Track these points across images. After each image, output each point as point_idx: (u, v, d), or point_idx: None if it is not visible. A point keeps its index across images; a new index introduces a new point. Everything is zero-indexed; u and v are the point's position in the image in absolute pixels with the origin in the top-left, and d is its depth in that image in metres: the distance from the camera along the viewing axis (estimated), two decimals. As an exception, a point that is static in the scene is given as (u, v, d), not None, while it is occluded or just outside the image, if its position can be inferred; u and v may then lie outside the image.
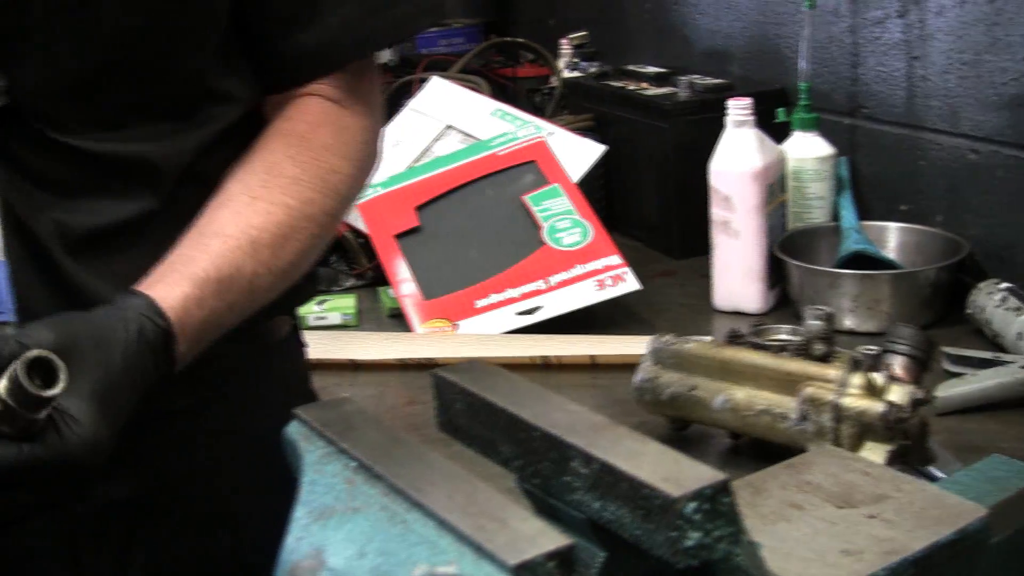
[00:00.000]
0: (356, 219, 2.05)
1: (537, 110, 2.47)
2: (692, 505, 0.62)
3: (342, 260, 2.09)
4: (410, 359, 1.70)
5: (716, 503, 0.63)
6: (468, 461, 0.72)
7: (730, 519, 0.64)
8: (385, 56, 2.88)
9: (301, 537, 0.68)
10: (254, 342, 1.12)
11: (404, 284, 1.90)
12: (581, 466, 0.67)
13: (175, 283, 0.93)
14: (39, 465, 0.78)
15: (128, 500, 1.06)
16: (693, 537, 0.62)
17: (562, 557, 0.58)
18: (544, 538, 0.59)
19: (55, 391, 0.76)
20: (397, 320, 1.91)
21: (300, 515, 0.70)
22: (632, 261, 1.91)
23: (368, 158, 1.11)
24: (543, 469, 0.71)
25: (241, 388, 1.12)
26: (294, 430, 0.77)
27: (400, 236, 1.98)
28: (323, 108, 1.07)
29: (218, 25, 1.04)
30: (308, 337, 1.73)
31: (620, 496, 0.65)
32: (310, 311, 1.86)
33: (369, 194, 2.05)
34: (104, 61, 0.98)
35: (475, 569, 0.59)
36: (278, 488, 1.10)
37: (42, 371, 0.76)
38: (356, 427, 0.74)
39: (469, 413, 0.77)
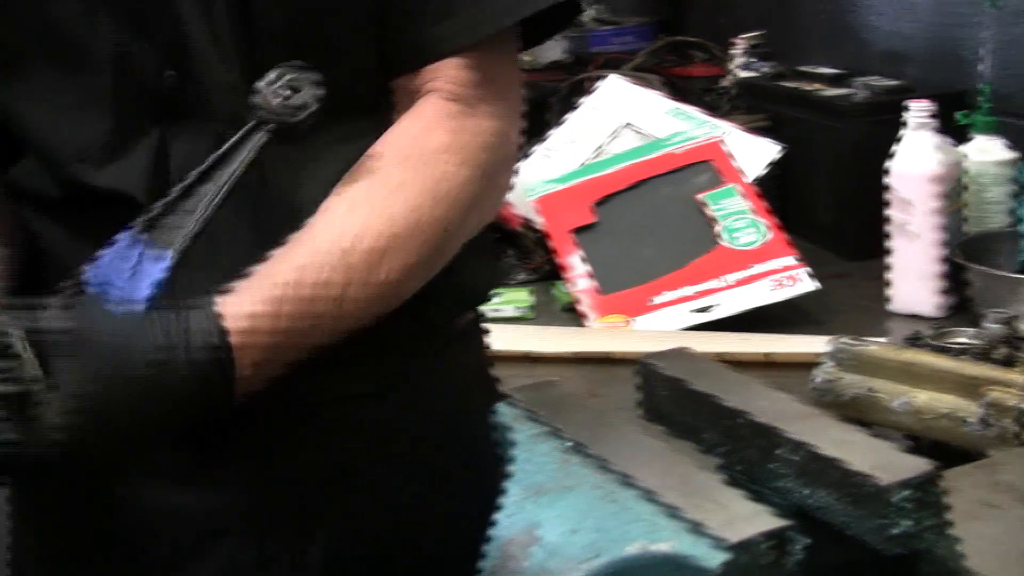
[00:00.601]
0: (532, 214, 2.08)
1: (709, 109, 2.48)
2: (902, 494, 0.63)
3: (516, 254, 2.12)
4: (587, 353, 1.72)
5: (925, 493, 0.64)
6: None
7: (937, 510, 0.65)
8: (557, 53, 2.91)
9: (514, 514, 0.70)
10: (436, 331, 1.12)
11: (580, 279, 1.93)
12: (789, 453, 0.69)
13: (247, 297, 0.89)
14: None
15: (312, 481, 1.07)
16: (902, 525, 0.63)
17: (779, 538, 0.60)
18: (760, 519, 0.61)
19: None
20: (570, 315, 1.93)
21: (513, 493, 0.72)
22: (805, 262, 1.91)
23: (494, 163, 1.02)
24: (749, 456, 0.72)
25: (423, 375, 1.11)
26: (504, 411, 0.79)
27: (576, 232, 2.00)
28: (442, 108, 1.01)
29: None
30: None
31: (829, 483, 0.66)
32: (487, 303, 1.89)
33: (546, 190, 2.09)
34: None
35: (692, 547, 0.60)
36: (455, 474, 1.13)
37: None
38: (566, 408, 0.76)
39: (673, 400, 0.78)
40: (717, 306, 1.84)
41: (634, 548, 0.62)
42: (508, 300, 1.92)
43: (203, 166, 0.92)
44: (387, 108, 1.03)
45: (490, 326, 1.79)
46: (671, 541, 0.62)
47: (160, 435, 0.87)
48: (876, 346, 1.41)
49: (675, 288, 1.87)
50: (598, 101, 2.38)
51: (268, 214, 0.99)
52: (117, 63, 0.97)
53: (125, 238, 0.91)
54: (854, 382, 1.39)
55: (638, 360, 0.83)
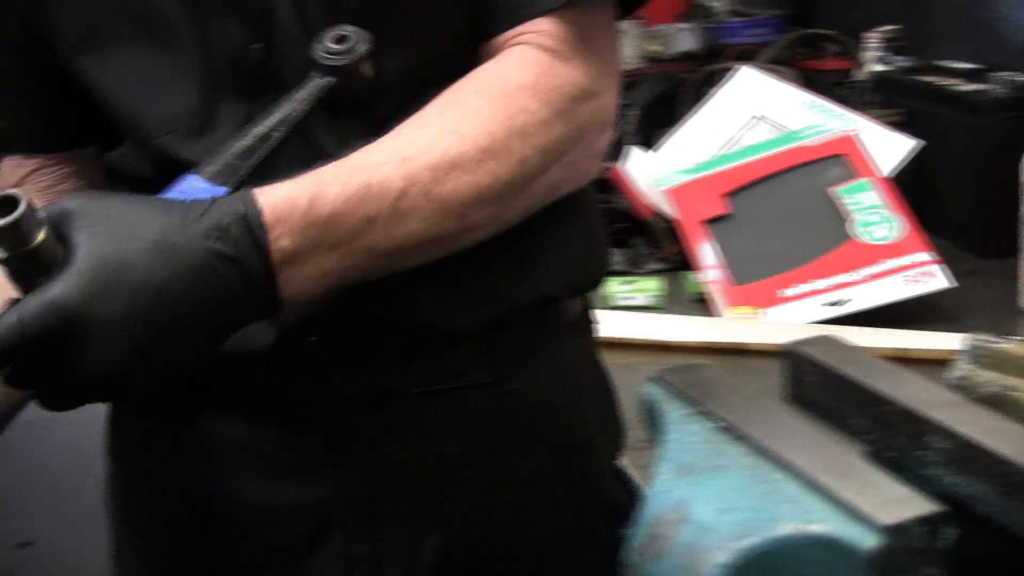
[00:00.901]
0: (664, 203, 2.09)
1: (841, 103, 2.46)
2: (1056, 484, 0.63)
3: (647, 243, 2.13)
4: (718, 343, 1.72)
5: (1078, 484, 0.64)
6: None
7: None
8: (689, 44, 2.92)
9: (664, 491, 0.72)
10: (546, 321, 1.10)
11: (710, 270, 1.93)
12: (939, 441, 0.69)
13: (291, 181, 0.85)
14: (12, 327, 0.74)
15: (425, 474, 1.06)
16: (1055, 516, 0.64)
17: (932, 523, 0.61)
18: (914, 503, 0.62)
19: (7, 219, 0.73)
20: (700, 305, 1.94)
21: (663, 471, 0.74)
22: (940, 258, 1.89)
23: (582, 115, 0.97)
24: (897, 443, 0.73)
25: (535, 365, 1.09)
26: (653, 391, 0.81)
27: (708, 222, 2.01)
28: (530, 54, 0.96)
29: None
30: (616, 317, 1.79)
31: (979, 472, 0.66)
32: (618, 291, 1.91)
33: (678, 180, 2.09)
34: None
35: (845, 529, 0.62)
36: (567, 469, 1.12)
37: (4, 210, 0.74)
38: (716, 390, 0.78)
39: (821, 385, 0.79)
40: (849, 300, 1.83)
41: (786, 529, 0.64)
42: (639, 289, 1.94)
43: (268, 115, 0.92)
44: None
45: (622, 314, 1.82)
46: (824, 523, 0.63)
47: (199, 317, 0.79)
48: (1016, 344, 1.39)
49: (806, 281, 1.86)
50: (731, 92, 2.37)
51: None
52: (203, 37, 0.97)
53: (186, 178, 0.90)
54: (991, 380, 1.38)
55: (784, 347, 0.84)
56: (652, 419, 0.80)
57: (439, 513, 1.06)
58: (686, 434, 0.75)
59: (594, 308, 1.23)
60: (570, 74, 0.95)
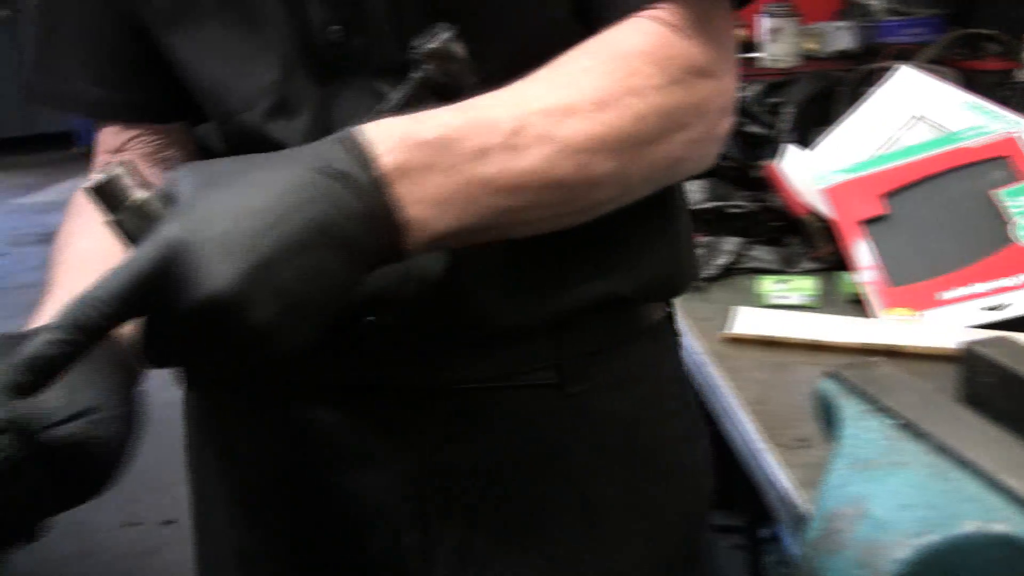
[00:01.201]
0: (819, 202, 2.07)
1: (1002, 104, 2.41)
2: None
3: (801, 242, 2.12)
4: (874, 344, 1.71)
5: None
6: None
7: None
8: (845, 43, 2.88)
9: (840, 486, 0.72)
10: (618, 324, 1.08)
11: (867, 270, 1.91)
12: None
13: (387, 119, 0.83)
14: (136, 268, 0.72)
15: (480, 471, 1.05)
16: None
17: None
18: (1100, 505, 0.61)
19: (96, 180, 0.76)
20: (855, 305, 1.92)
21: (839, 466, 0.74)
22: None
23: (700, 88, 0.94)
24: (1078, 446, 0.72)
25: (606, 369, 1.07)
26: (828, 387, 0.81)
27: (865, 222, 1.99)
28: (646, 25, 0.93)
29: None
30: (770, 315, 1.78)
31: None
32: (772, 290, 1.90)
33: (835, 179, 2.07)
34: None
35: (1029, 528, 0.62)
36: (636, 485, 1.09)
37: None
38: (893, 387, 0.78)
39: (998, 386, 0.79)
40: (1009, 305, 1.79)
41: (968, 527, 0.64)
42: (793, 288, 1.92)
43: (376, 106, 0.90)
44: None
45: (776, 312, 1.81)
46: (1007, 522, 0.63)
47: (314, 233, 0.75)
48: None
49: (965, 284, 1.84)
50: (890, 92, 2.34)
51: None
52: (287, 15, 0.97)
53: None
54: None
55: (959, 347, 0.83)
56: (826, 415, 0.80)
57: (491, 512, 1.05)
58: (863, 430, 0.75)
59: (677, 318, 1.20)
60: (688, 48, 0.92)
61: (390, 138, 0.79)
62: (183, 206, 0.74)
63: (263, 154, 0.81)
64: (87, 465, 0.78)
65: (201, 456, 1.22)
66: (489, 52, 0.89)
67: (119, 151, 1.11)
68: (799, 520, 1.11)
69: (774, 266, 2.04)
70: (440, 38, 0.88)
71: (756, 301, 1.89)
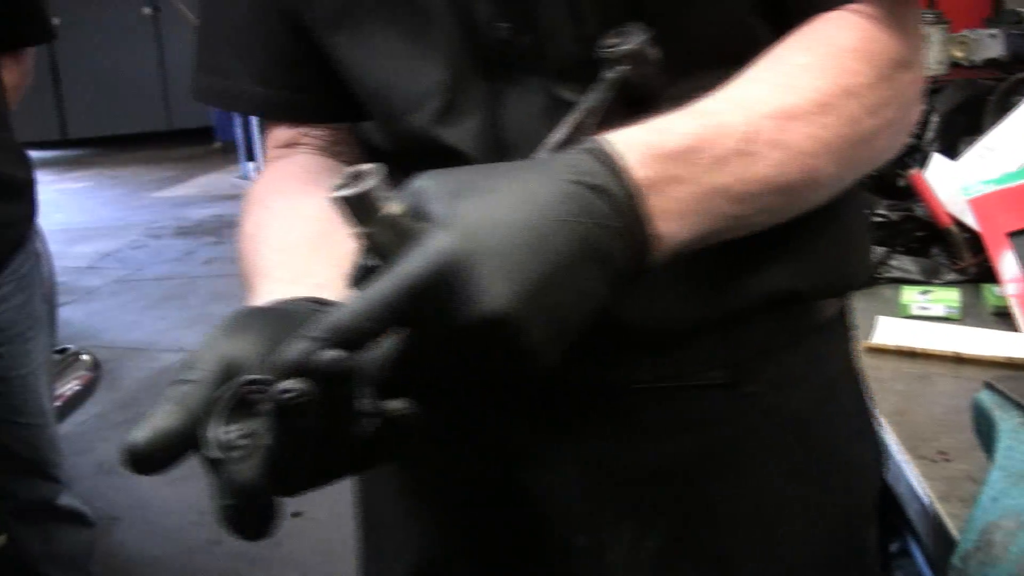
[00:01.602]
0: (965, 213, 2.03)
1: None
2: None
3: (944, 253, 2.07)
4: (1018, 359, 1.66)
5: None
6: None
7: None
8: (995, 51, 2.82)
9: (997, 498, 0.70)
10: (793, 320, 1.05)
11: (1013, 283, 1.86)
12: None
13: (624, 128, 0.81)
14: (398, 288, 0.69)
15: (652, 473, 1.03)
16: None
17: None
18: None
19: (353, 189, 0.70)
20: (999, 318, 1.87)
21: (996, 478, 0.72)
22: None
23: (904, 83, 0.93)
24: None
25: (780, 368, 1.05)
26: (987, 399, 0.79)
27: (1013, 235, 1.94)
28: (851, 18, 0.92)
29: None
30: (912, 326, 1.75)
31: None
32: (913, 300, 1.87)
33: (982, 190, 2.03)
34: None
35: None
36: (808, 484, 1.06)
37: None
38: (1053, 401, 0.75)
39: None
40: None
41: None
42: (936, 299, 1.88)
43: (572, 110, 0.89)
44: (751, 55, 0.93)
45: (917, 323, 1.77)
46: None
47: (579, 248, 0.73)
48: None
49: (1118, 300, 1.78)
50: (1041, 101, 2.28)
51: None
52: (452, 13, 0.95)
53: None
54: None
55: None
56: (982, 427, 0.78)
57: (663, 512, 1.04)
58: (1020, 442, 0.73)
59: (852, 312, 1.18)
60: (890, 41, 0.92)
61: (638, 150, 0.78)
62: (447, 218, 0.71)
63: (504, 164, 0.79)
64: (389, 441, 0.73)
65: (375, 477, 1.19)
66: (668, 50, 0.89)
67: (289, 146, 1.12)
68: (939, 533, 1.08)
69: (917, 276, 2.00)
70: (636, 39, 0.87)
71: (898, 311, 1.85)
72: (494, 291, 0.69)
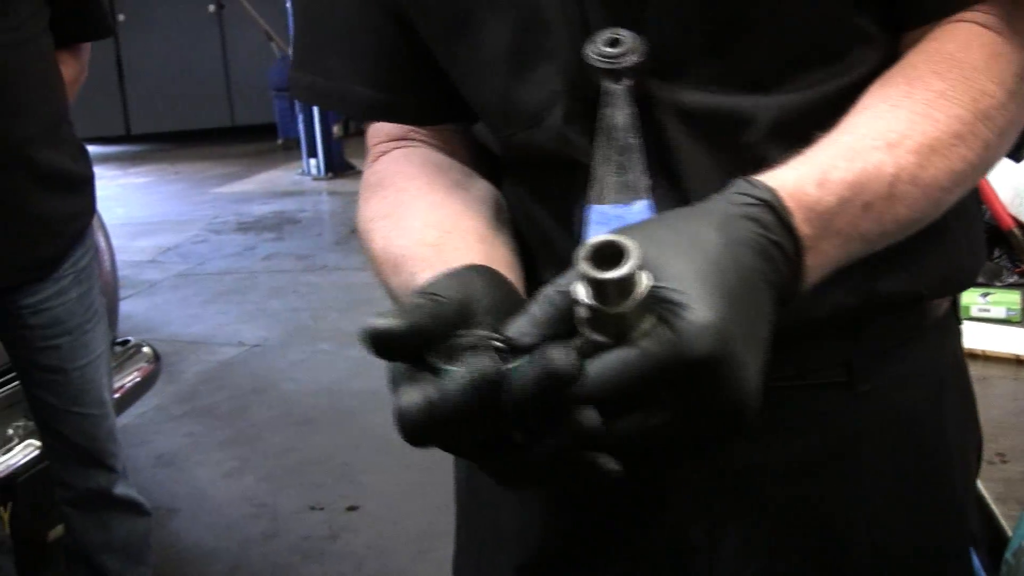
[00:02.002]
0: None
1: None
2: None
3: (1005, 255, 2.05)
4: (1081, 362, 1.64)
5: None
6: None
7: None
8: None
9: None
10: (911, 319, 1.04)
11: (1076, 286, 1.84)
12: None
13: (788, 169, 0.82)
14: (649, 368, 0.68)
15: (766, 468, 1.02)
16: None
17: None
18: None
19: (623, 269, 0.66)
20: (1061, 322, 1.85)
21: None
22: None
23: (1021, 99, 0.92)
24: None
25: (895, 366, 1.03)
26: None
27: (1075, 236, 1.91)
28: (975, 32, 0.92)
29: None
30: (972, 328, 1.73)
31: None
32: (974, 302, 1.85)
33: (1046, 191, 2.00)
34: (739, 11, 0.91)
35: None
36: (919, 484, 1.05)
37: (614, 262, 0.66)
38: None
39: None
40: None
41: None
42: (996, 301, 1.87)
43: (600, 137, 0.90)
44: (857, 53, 0.95)
45: (977, 326, 1.76)
46: None
47: (773, 307, 0.75)
48: None
49: None
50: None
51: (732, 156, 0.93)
52: (566, 19, 0.94)
53: (592, 214, 0.89)
54: None
55: None
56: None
57: (775, 510, 1.03)
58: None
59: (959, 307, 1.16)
60: (1012, 52, 0.92)
61: (803, 206, 0.80)
62: (700, 293, 0.70)
63: (687, 211, 0.78)
64: None
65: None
66: (774, 50, 0.91)
67: (400, 139, 1.11)
68: (995, 535, 1.07)
69: (978, 279, 1.98)
70: (637, 49, 0.89)
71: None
72: (743, 379, 0.70)
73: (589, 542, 1.09)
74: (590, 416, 0.69)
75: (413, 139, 1.10)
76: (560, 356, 0.67)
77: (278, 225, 8.72)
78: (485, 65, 0.99)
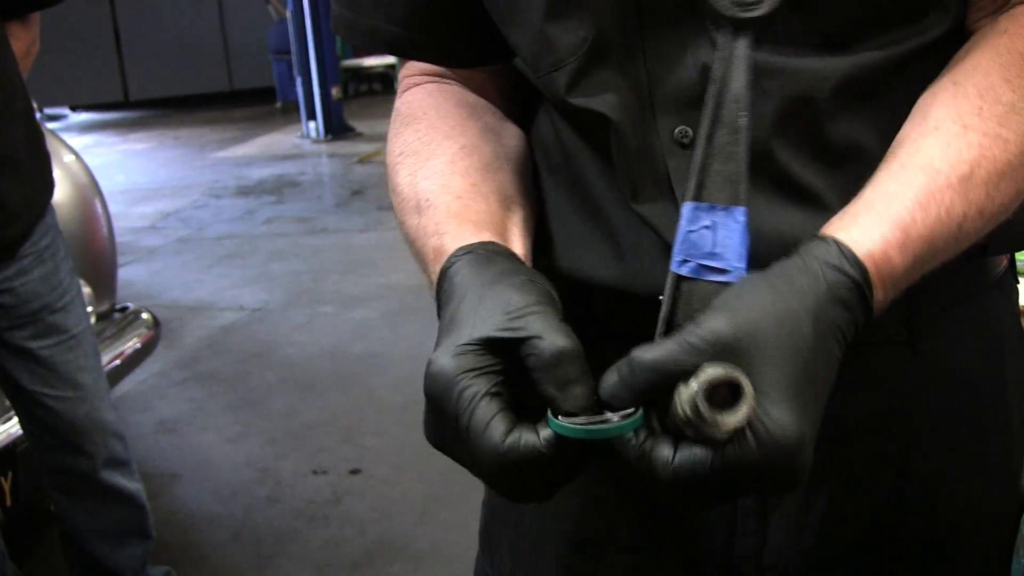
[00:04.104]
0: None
1: None
2: None
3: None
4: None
5: None
6: None
7: None
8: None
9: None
10: (970, 276, 1.02)
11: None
12: None
13: (874, 225, 0.82)
14: (729, 473, 0.73)
15: (824, 431, 0.99)
16: None
17: None
18: None
19: (736, 420, 0.71)
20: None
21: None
22: None
23: None
24: None
25: (955, 324, 1.02)
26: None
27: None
28: None
29: None
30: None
31: None
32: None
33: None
34: None
35: None
36: (979, 441, 1.04)
37: (727, 386, 0.71)
38: None
39: None
40: None
41: None
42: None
43: (709, 107, 0.85)
44: (937, 15, 0.92)
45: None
46: None
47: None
48: None
49: None
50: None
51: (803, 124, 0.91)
52: None
53: (683, 215, 0.85)
54: None
55: None
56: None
57: (832, 472, 1.01)
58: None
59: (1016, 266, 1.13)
60: None
61: (887, 280, 0.82)
62: (774, 414, 0.74)
63: (798, 298, 0.79)
64: None
65: None
66: (855, 3, 0.88)
67: (434, 75, 1.10)
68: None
69: None
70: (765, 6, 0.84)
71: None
72: (808, 461, 0.76)
73: (643, 510, 1.07)
74: (655, 488, 0.76)
75: (448, 77, 1.09)
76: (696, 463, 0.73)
77: (278, 189, 8.70)
78: (522, 7, 0.95)
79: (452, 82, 1.09)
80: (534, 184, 1.04)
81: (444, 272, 0.86)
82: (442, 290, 0.86)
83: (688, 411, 0.71)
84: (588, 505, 1.08)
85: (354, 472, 3.71)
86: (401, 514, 3.42)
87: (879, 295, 0.81)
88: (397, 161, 1.02)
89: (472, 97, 1.08)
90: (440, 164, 0.98)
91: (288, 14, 11.06)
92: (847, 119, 0.90)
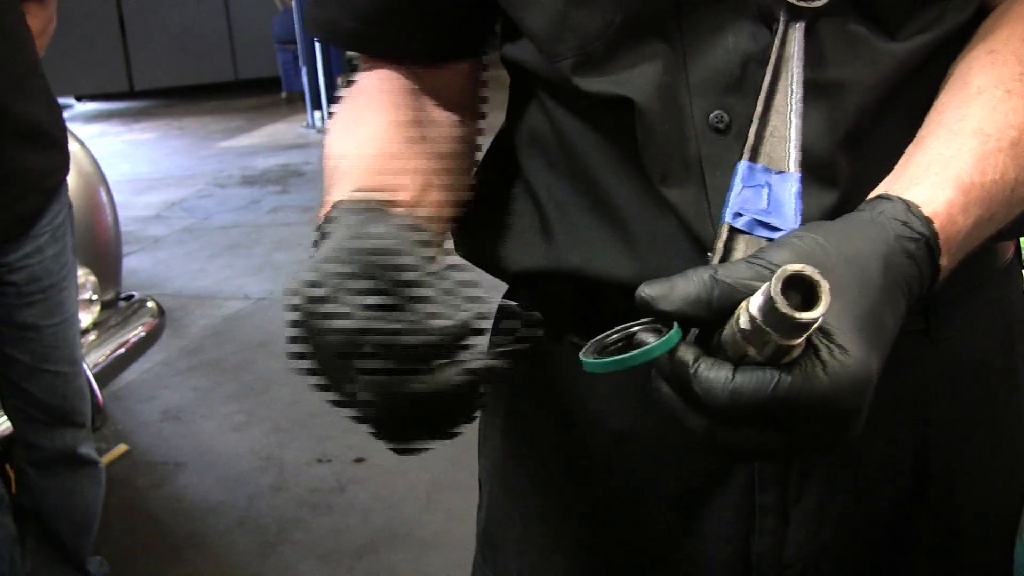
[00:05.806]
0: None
1: None
2: None
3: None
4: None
5: None
6: None
7: None
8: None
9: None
10: (982, 264, 1.01)
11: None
12: None
13: (937, 186, 0.80)
14: (792, 400, 0.69)
15: None
16: None
17: None
18: None
19: (815, 314, 0.65)
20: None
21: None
22: None
23: None
24: None
25: (967, 313, 1.01)
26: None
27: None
28: None
29: None
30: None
31: None
32: None
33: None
34: None
35: None
36: (990, 431, 1.04)
37: (800, 291, 0.66)
38: None
39: None
40: None
41: None
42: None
43: (767, 78, 0.86)
44: None
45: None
46: None
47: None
48: None
49: None
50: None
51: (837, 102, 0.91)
52: None
53: (739, 171, 0.84)
54: None
55: None
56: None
57: (850, 465, 1.00)
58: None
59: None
60: None
61: (951, 242, 0.80)
62: (848, 334, 0.71)
63: (868, 243, 0.77)
64: None
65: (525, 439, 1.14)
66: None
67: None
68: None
69: None
70: None
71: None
72: (863, 418, 0.73)
73: (647, 525, 1.06)
74: (698, 423, 0.72)
75: (404, 68, 1.09)
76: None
77: (283, 178, 8.70)
78: None
79: (405, 71, 1.08)
80: (534, 184, 1.03)
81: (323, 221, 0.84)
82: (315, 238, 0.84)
83: (757, 315, 0.67)
84: (600, 507, 1.07)
85: (358, 460, 3.72)
86: (405, 502, 3.43)
87: (943, 260, 0.80)
88: (328, 130, 1.06)
89: (419, 87, 1.08)
90: (362, 134, 1.01)
91: (293, 3, 11.06)
92: (879, 105, 0.90)
